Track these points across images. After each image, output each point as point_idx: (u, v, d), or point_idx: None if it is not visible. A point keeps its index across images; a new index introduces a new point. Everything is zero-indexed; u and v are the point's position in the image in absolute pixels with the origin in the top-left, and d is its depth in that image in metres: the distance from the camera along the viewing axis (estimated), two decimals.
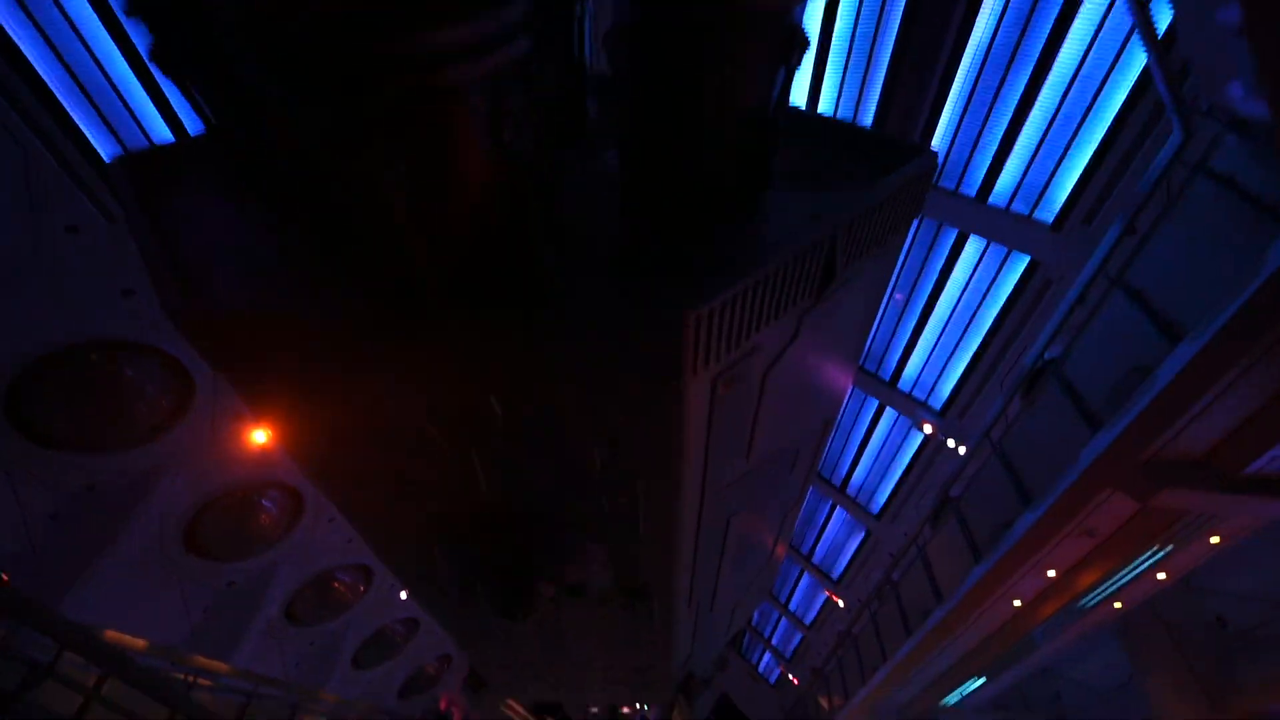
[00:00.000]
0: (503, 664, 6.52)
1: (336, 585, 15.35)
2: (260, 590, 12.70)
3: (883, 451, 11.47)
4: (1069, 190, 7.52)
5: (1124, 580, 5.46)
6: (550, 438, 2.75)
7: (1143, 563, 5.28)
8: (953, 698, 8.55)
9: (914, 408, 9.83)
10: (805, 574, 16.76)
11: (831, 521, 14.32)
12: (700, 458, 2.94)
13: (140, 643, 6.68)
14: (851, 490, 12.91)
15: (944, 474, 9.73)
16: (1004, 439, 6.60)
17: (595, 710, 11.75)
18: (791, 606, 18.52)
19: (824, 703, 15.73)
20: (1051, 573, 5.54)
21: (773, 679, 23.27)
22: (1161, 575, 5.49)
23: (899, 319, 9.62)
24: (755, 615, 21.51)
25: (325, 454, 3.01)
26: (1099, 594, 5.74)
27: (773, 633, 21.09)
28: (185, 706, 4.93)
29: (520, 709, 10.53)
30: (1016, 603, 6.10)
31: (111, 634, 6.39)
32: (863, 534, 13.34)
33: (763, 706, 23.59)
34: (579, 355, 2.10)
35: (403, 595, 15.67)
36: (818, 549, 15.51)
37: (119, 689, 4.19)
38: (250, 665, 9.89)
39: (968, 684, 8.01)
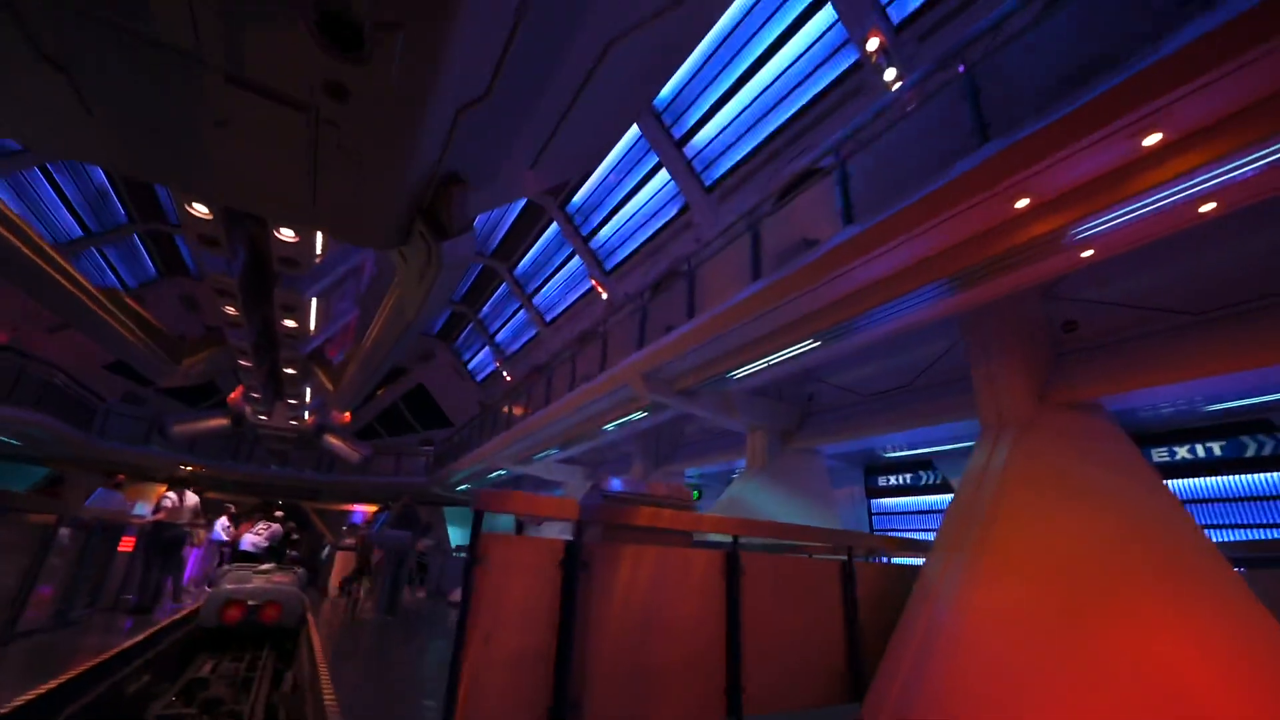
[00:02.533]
0: None
1: None
2: None
3: (772, 88, 8.36)
4: None
5: (1193, 189, 3.60)
6: None
7: (1247, 163, 3.30)
8: (743, 371, 7.02)
9: (867, 10, 6.68)
10: (574, 259, 14.14)
11: (639, 194, 11.38)
12: None
13: None
14: (690, 151, 9.89)
15: (841, 129, 7.14)
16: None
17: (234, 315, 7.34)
18: (538, 299, 16.20)
19: (507, 409, 14.56)
20: (1155, 138, 3.35)
21: (480, 377, 22.04)
22: (1210, 206, 3.68)
23: None
24: (487, 306, 18.87)
25: None
26: (1135, 209, 3.83)
27: (500, 328, 19.00)
28: None
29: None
30: (1022, 203, 3.99)
31: None
32: (675, 210, 10.82)
33: (461, 401, 22.57)
34: None
35: None
36: (603, 231, 12.72)
37: None
38: None
39: (787, 351, 6.37)
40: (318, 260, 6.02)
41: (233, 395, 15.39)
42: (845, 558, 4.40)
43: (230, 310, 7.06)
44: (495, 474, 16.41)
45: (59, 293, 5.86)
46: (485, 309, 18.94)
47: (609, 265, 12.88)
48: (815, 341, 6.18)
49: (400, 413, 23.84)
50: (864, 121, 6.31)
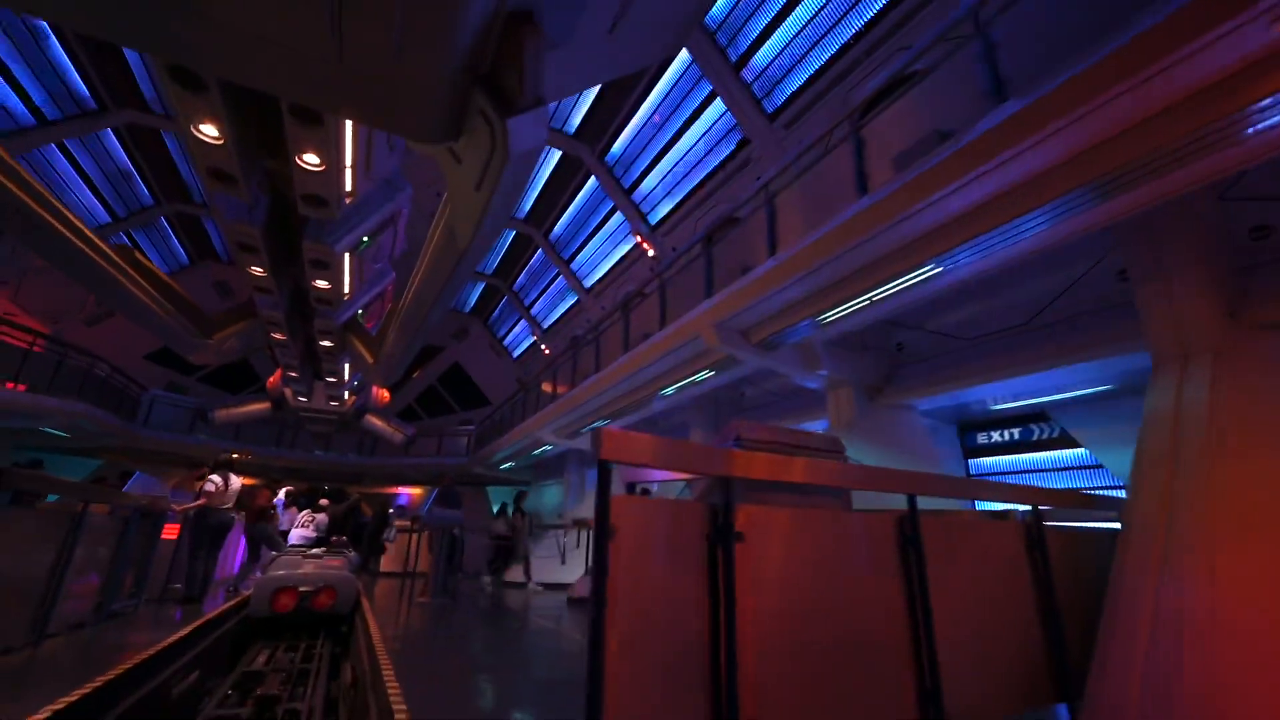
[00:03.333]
0: None
1: None
2: None
3: None
4: None
5: None
6: None
7: None
8: (837, 312, 6.01)
9: None
10: (613, 218, 13.18)
11: (687, 134, 10.29)
12: None
13: None
14: (748, 74, 8.75)
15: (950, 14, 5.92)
16: None
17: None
18: (576, 264, 15.32)
19: (551, 385, 13.95)
20: None
21: (517, 353, 21.43)
22: None
23: None
24: (522, 277, 18.10)
25: None
26: None
27: (537, 299, 18.23)
28: None
29: None
30: None
31: None
32: (729, 149, 9.72)
33: (498, 379, 22.05)
34: None
35: None
36: (645, 182, 11.70)
37: None
38: None
39: (899, 281, 5.34)
40: (347, 200, 5.21)
41: (272, 379, 15.08)
42: (1031, 519, 3.45)
43: (257, 271, 6.35)
44: (540, 450, 15.80)
45: (61, 245, 5.21)
46: (520, 280, 18.18)
47: (654, 219, 11.88)
48: (936, 268, 5.13)
49: (438, 394, 23.49)
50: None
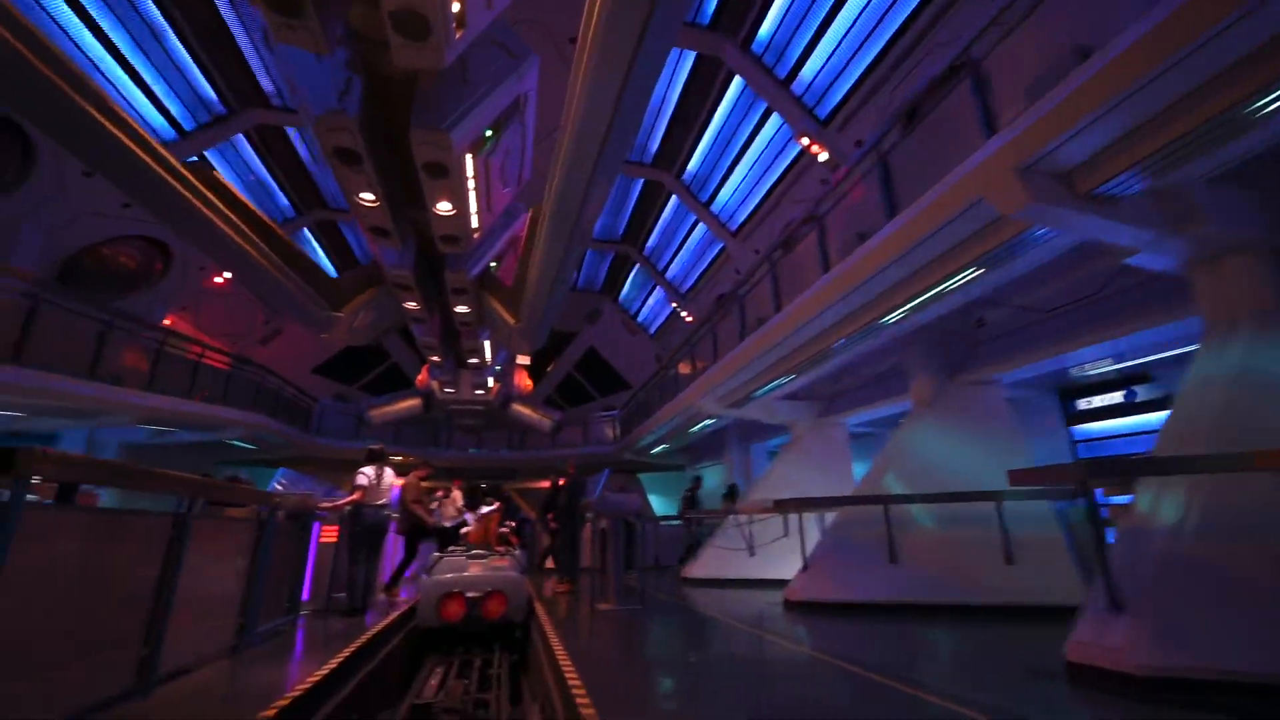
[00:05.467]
0: None
1: None
2: None
3: None
4: None
5: None
6: None
7: None
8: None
9: None
10: (762, 131, 10.74)
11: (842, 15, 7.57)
12: None
13: None
14: None
15: None
16: None
17: None
18: (716, 205, 13.09)
19: (685, 367, 11.84)
20: None
21: (654, 329, 19.76)
22: None
23: None
24: (653, 237, 16.27)
25: None
26: None
27: (673, 259, 16.28)
28: None
29: None
30: None
31: None
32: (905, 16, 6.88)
33: (636, 359, 20.60)
34: None
35: None
36: (807, 67, 9.13)
37: None
38: None
39: None
40: (456, 32, 3.44)
41: (420, 377, 14.87)
42: None
43: (367, 199, 4.92)
44: (698, 427, 13.87)
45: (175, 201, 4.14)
46: (651, 241, 16.36)
47: (823, 112, 9.26)
48: None
49: (577, 382, 22.66)
50: None
